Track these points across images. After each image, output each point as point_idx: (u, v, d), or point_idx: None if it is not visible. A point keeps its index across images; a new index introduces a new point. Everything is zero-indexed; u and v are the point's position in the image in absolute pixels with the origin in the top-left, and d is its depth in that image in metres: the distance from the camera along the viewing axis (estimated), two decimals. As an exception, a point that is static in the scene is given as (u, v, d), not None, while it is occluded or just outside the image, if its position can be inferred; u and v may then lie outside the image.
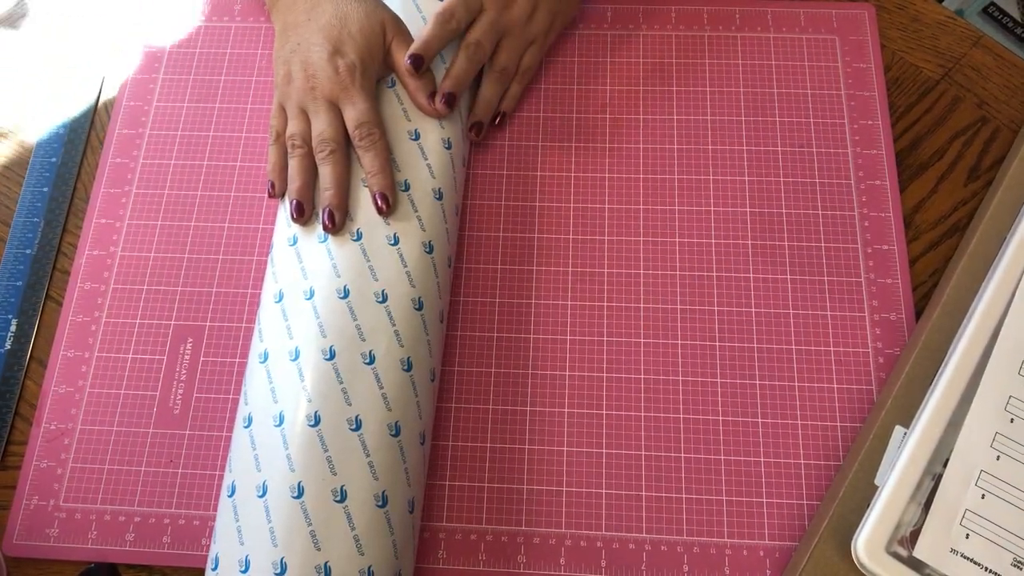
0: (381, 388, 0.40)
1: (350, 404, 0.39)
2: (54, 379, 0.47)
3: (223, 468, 0.45)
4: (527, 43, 0.50)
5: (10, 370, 0.48)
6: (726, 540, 0.43)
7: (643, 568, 0.43)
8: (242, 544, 0.37)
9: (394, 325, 0.41)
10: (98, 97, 0.55)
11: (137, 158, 0.53)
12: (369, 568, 0.37)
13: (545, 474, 0.45)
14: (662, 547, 0.43)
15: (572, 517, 0.44)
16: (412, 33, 0.47)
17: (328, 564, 0.36)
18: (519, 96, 0.52)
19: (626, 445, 0.45)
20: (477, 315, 0.48)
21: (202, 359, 0.47)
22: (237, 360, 0.47)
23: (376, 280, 0.41)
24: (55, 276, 0.50)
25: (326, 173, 0.43)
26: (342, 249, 0.42)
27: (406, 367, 0.41)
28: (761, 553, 0.43)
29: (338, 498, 0.37)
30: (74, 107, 0.55)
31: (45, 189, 0.52)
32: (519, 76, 0.51)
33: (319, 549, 0.36)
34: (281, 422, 0.38)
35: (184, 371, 0.47)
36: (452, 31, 0.46)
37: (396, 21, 0.47)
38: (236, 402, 0.46)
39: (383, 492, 0.38)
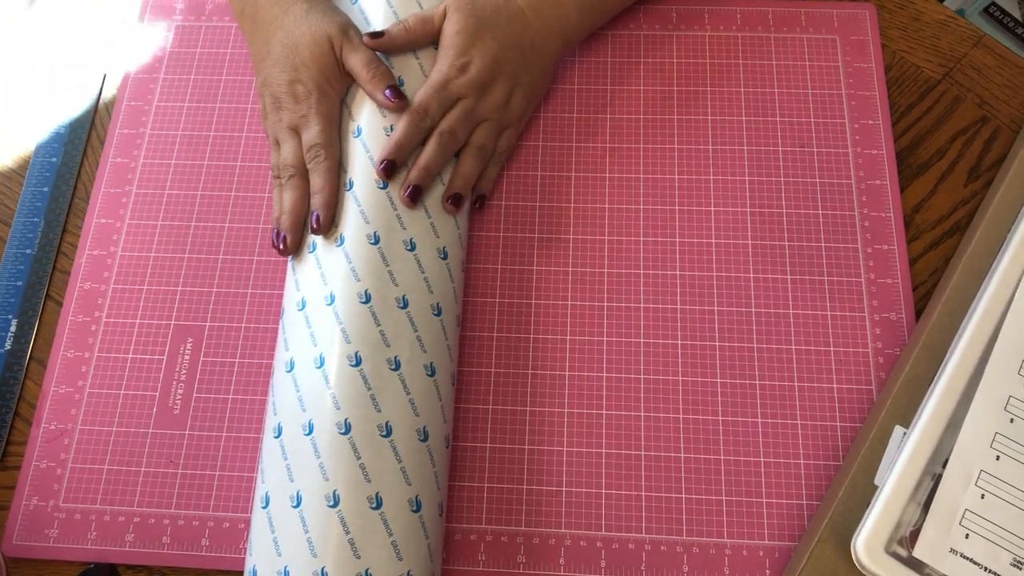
0: (408, 393, 0.40)
1: (379, 410, 0.39)
2: (54, 379, 0.47)
3: (223, 468, 0.45)
4: (504, 128, 0.48)
5: (10, 370, 0.48)
6: (726, 540, 0.43)
7: (643, 568, 0.43)
8: (279, 555, 0.37)
9: (416, 331, 0.41)
10: (98, 97, 0.55)
11: (137, 158, 0.53)
12: (408, 573, 0.37)
13: (545, 474, 0.45)
14: (662, 547, 0.43)
15: (572, 517, 0.44)
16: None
17: (369, 571, 0.36)
18: (495, 178, 0.50)
19: (626, 445, 0.45)
20: (477, 315, 0.48)
21: (202, 359, 0.47)
22: (237, 360, 0.47)
23: (396, 285, 0.41)
24: (55, 276, 0.50)
25: (285, 198, 0.44)
26: (360, 253, 0.42)
27: (430, 372, 0.41)
28: (761, 553, 0.43)
29: (374, 505, 0.37)
30: (74, 107, 0.55)
31: (45, 189, 0.52)
32: (496, 158, 0.49)
33: (358, 557, 0.36)
34: (311, 431, 0.38)
35: (184, 371, 0.47)
36: (426, 129, 0.44)
37: (343, 28, 0.45)
38: (236, 402, 0.46)
39: (416, 497, 0.38)
